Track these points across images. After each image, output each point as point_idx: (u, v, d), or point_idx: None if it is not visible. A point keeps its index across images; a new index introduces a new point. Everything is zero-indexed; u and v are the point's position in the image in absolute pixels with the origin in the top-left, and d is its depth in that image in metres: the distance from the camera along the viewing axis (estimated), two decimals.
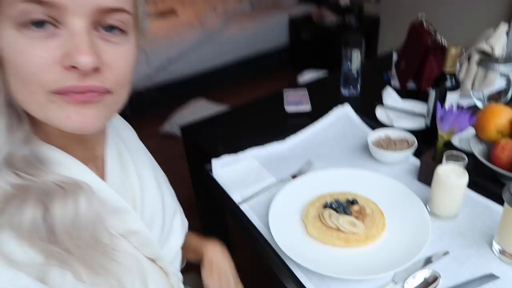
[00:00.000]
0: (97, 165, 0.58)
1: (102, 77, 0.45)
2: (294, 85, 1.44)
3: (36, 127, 0.49)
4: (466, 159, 0.73)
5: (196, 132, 1.20)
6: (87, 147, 0.56)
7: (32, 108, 0.45)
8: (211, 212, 1.30)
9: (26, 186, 0.45)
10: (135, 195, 0.61)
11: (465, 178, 0.74)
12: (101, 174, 0.58)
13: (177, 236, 0.71)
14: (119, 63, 0.47)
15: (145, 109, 3.04)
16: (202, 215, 1.31)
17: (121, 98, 0.51)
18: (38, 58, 0.42)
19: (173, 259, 0.69)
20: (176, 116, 2.67)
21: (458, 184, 0.74)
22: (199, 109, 2.64)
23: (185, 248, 0.74)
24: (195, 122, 1.27)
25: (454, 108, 0.99)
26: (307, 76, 2.62)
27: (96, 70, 0.44)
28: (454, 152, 0.75)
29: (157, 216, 0.65)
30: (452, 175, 0.74)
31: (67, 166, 0.51)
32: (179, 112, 2.72)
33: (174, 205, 0.74)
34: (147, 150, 0.77)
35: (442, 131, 0.86)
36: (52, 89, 0.43)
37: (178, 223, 0.72)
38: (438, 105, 0.89)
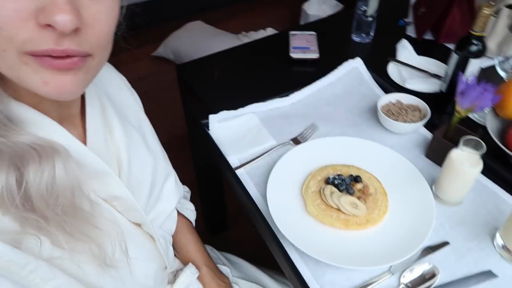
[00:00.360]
0: (75, 124, 0.53)
1: (82, 39, 0.39)
2: (297, 14, 1.29)
3: (3, 82, 0.43)
4: (485, 148, 0.68)
5: (191, 74, 1.11)
6: (61, 105, 0.50)
7: (2, 67, 0.40)
8: (206, 165, 1.26)
9: None
10: (121, 157, 0.56)
11: (479, 167, 0.69)
12: (80, 134, 0.53)
13: (168, 200, 0.68)
14: (101, 22, 0.41)
15: (136, 28, 2.86)
16: (195, 159, 1.27)
17: (102, 59, 0.45)
18: (8, 11, 0.35)
19: (163, 223, 0.67)
20: (171, 38, 2.50)
21: (471, 173, 0.70)
22: (195, 32, 2.46)
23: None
24: (190, 62, 1.17)
25: (474, 76, 0.92)
26: (315, 6, 2.42)
27: (76, 30, 0.38)
28: (473, 138, 0.69)
29: (145, 179, 0.62)
30: (466, 163, 0.69)
31: (41, 126, 0.46)
32: (174, 34, 2.54)
33: (166, 168, 0.71)
34: (139, 107, 0.70)
35: (460, 107, 0.79)
36: (26, 50, 0.37)
37: (171, 187, 0.69)
38: (460, 76, 0.81)
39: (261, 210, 0.74)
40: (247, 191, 0.78)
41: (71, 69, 0.40)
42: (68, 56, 0.39)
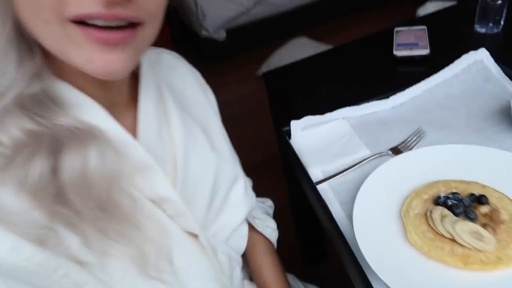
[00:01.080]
0: (124, 112, 0.48)
1: (135, 5, 0.36)
2: (411, 21, 1.12)
3: (48, 60, 0.40)
4: None
5: (279, 82, 1.01)
6: (111, 89, 0.46)
7: (45, 41, 0.37)
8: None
9: (39, 132, 0.38)
10: (177, 153, 0.50)
11: None
12: (131, 124, 0.48)
13: (235, 209, 0.58)
14: None
15: (242, 48, 2.93)
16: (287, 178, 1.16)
17: (153, 31, 0.41)
18: None
19: (229, 237, 0.57)
20: (274, 56, 2.48)
21: None
22: (299, 49, 2.40)
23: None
24: (279, 68, 1.08)
25: None
26: (431, 8, 2.16)
27: None
28: None
29: (206, 180, 0.54)
30: None
31: (85, 110, 0.42)
32: (277, 52, 2.51)
33: (234, 171, 0.61)
34: (209, 104, 0.63)
35: None
36: (70, 15, 0.34)
37: (239, 194, 0.59)
38: None
39: (346, 236, 0.58)
40: (329, 210, 0.63)
41: (118, 45, 0.37)
42: (118, 28, 0.36)
